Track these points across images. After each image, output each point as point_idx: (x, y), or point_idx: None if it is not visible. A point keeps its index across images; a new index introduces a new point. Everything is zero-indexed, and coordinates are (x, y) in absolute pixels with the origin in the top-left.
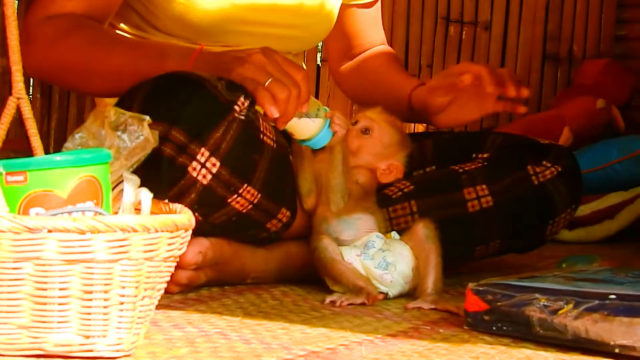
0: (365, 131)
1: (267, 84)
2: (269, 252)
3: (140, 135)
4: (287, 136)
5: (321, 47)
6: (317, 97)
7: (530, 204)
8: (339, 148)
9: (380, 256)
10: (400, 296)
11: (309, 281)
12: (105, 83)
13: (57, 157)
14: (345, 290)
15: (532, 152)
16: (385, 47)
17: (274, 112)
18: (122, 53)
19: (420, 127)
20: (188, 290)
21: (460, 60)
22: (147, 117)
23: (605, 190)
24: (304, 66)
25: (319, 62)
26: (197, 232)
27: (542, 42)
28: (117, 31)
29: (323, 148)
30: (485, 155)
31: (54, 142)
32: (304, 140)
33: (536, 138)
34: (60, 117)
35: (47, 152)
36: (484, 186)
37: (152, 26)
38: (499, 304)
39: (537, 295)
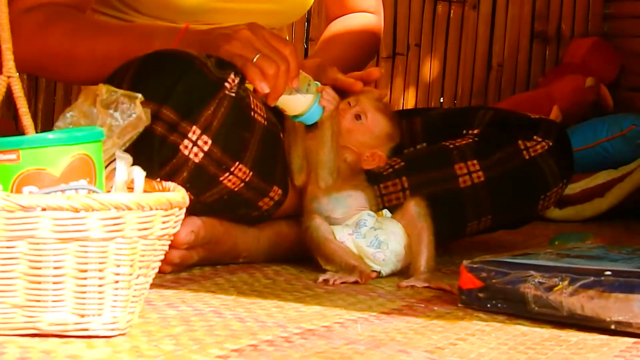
0: (358, 117)
1: (255, 59)
2: (260, 231)
3: (132, 113)
4: (278, 113)
5: (307, 27)
6: None
7: (521, 178)
8: (328, 124)
9: (372, 235)
10: (393, 274)
11: (300, 260)
12: (91, 71)
13: (50, 135)
14: (338, 269)
15: (522, 127)
16: (365, 23)
17: (264, 88)
18: (106, 38)
19: (409, 104)
20: (180, 269)
21: (449, 39)
22: (140, 95)
23: (594, 168)
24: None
25: (306, 44)
26: (189, 212)
27: (530, 20)
28: (99, 16)
29: (315, 124)
30: (475, 131)
31: (41, 124)
32: (296, 116)
33: (526, 113)
34: (47, 99)
35: None
36: (475, 161)
37: (134, 9)
38: (493, 281)
39: (531, 272)
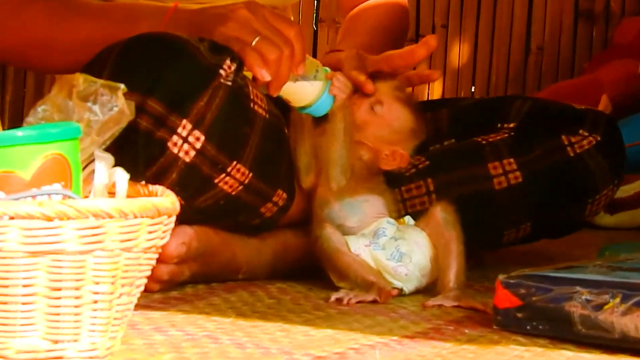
0: (375, 108)
1: (254, 43)
2: (263, 242)
3: (113, 106)
4: (282, 104)
5: (317, 7)
6: None
7: (565, 179)
8: (340, 115)
9: (392, 246)
10: (417, 292)
11: (310, 276)
12: (70, 57)
13: (18, 132)
14: (353, 286)
15: (566, 120)
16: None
17: (265, 75)
18: (86, 21)
19: (435, 94)
20: (170, 287)
21: (481, 18)
22: (122, 86)
23: None
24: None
25: (314, 25)
26: (180, 219)
27: None
28: None
29: (326, 116)
30: (511, 125)
31: (9, 120)
32: (303, 108)
33: (570, 103)
34: (16, 90)
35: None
36: (512, 159)
37: None
38: (533, 298)
39: (578, 288)
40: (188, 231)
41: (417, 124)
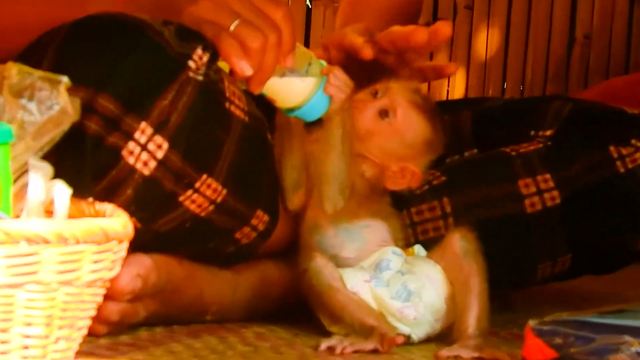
0: (385, 114)
1: (232, 27)
2: (237, 275)
3: (54, 104)
4: (267, 105)
5: None
6: None
7: (614, 200)
8: (337, 121)
9: (398, 282)
10: (429, 339)
11: (295, 318)
12: (5, 43)
13: None
14: (349, 332)
15: (615, 126)
16: None
17: (245, 68)
18: (26, 0)
19: (456, 93)
20: (120, 330)
21: (513, 2)
22: (65, 79)
23: None
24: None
25: (308, 2)
26: (135, 246)
27: None
28: None
29: (320, 121)
30: (548, 133)
31: None
32: (291, 110)
33: (621, 106)
34: None
35: None
36: (548, 176)
37: None
38: (572, 350)
39: (627, 337)
40: (145, 261)
41: (434, 136)
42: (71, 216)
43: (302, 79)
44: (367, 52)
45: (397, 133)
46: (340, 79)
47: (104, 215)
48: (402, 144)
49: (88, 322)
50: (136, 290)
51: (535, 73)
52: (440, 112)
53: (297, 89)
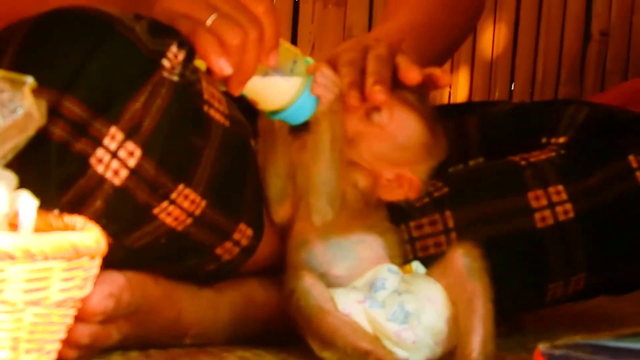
0: (375, 114)
1: (210, 22)
2: (219, 295)
3: (17, 107)
4: (251, 109)
5: None
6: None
7: (633, 214)
8: (325, 124)
9: (395, 302)
10: None
11: (283, 342)
12: None
13: None
14: (342, 357)
15: (635, 134)
16: None
17: (225, 67)
18: None
19: (460, 96)
20: (91, 354)
21: None
22: (29, 79)
23: None
24: None
25: None
26: (107, 263)
27: None
28: None
29: (306, 125)
30: (561, 140)
31: None
32: (275, 112)
33: None
34: None
35: None
36: (560, 187)
37: None
38: None
39: None
40: (117, 279)
41: (432, 139)
42: (38, 230)
43: (286, 78)
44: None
45: (389, 134)
46: (328, 78)
47: (73, 229)
48: (395, 146)
49: (57, 346)
50: (108, 311)
51: (547, 74)
52: (437, 111)
53: (281, 90)
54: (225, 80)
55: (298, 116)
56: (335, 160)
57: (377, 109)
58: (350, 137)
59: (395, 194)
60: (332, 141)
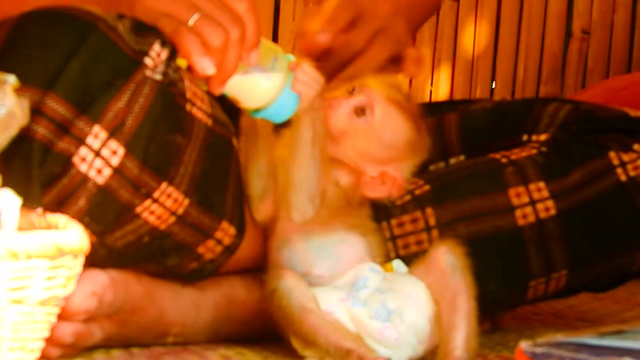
0: (361, 112)
1: (192, 22)
2: (201, 294)
3: (0, 106)
4: (231, 107)
5: None
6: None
7: (615, 212)
8: (307, 121)
9: (377, 300)
10: None
11: (264, 340)
12: None
13: None
14: (324, 355)
15: (616, 131)
16: None
17: (207, 66)
18: None
19: (440, 93)
20: (74, 353)
21: None
22: (12, 78)
23: None
24: None
25: None
26: (89, 262)
27: None
28: None
29: (288, 122)
30: (542, 137)
31: None
32: (257, 110)
33: (623, 108)
34: None
35: None
36: (542, 184)
37: None
38: None
39: (627, 359)
40: (100, 278)
41: (417, 137)
42: (21, 229)
43: (267, 75)
44: (323, 38)
45: (375, 133)
46: (308, 75)
47: (57, 228)
48: (381, 145)
49: (40, 344)
50: (91, 310)
51: (528, 72)
52: (422, 111)
53: (263, 88)
54: (207, 79)
55: (280, 114)
56: (316, 157)
57: (364, 107)
58: (334, 134)
59: (378, 192)
60: (313, 138)
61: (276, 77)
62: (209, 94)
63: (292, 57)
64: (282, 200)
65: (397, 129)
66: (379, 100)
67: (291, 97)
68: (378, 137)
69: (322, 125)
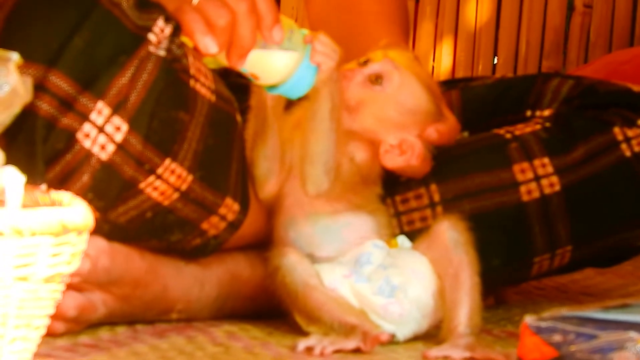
0: (377, 80)
1: (196, 0)
2: (205, 270)
3: (3, 84)
4: (234, 83)
5: None
6: None
7: (619, 187)
8: (325, 92)
9: (381, 276)
10: (415, 338)
11: (269, 316)
12: None
13: None
14: (328, 331)
15: (620, 106)
16: None
17: (210, 45)
18: None
19: (443, 69)
20: (79, 328)
21: None
22: (15, 55)
23: None
24: None
25: None
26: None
27: None
28: None
29: (306, 98)
30: (546, 113)
31: None
32: (273, 87)
33: (626, 84)
34: None
35: None
36: (546, 160)
37: None
38: (572, 348)
39: (631, 334)
40: (97, 243)
41: (436, 101)
42: (25, 206)
43: (284, 50)
44: None
45: (394, 98)
46: (326, 45)
47: (60, 205)
48: (400, 110)
49: (46, 321)
50: (83, 272)
51: (530, 46)
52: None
53: (281, 62)
54: (227, 55)
55: (299, 88)
56: (334, 129)
57: (382, 75)
58: (352, 104)
59: (396, 161)
60: (332, 110)
61: (294, 52)
62: (214, 72)
63: (305, 31)
64: (290, 177)
65: (415, 93)
66: (397, 67)
67: (309, 70)
68: (397, 102)
69: (339, 96)
